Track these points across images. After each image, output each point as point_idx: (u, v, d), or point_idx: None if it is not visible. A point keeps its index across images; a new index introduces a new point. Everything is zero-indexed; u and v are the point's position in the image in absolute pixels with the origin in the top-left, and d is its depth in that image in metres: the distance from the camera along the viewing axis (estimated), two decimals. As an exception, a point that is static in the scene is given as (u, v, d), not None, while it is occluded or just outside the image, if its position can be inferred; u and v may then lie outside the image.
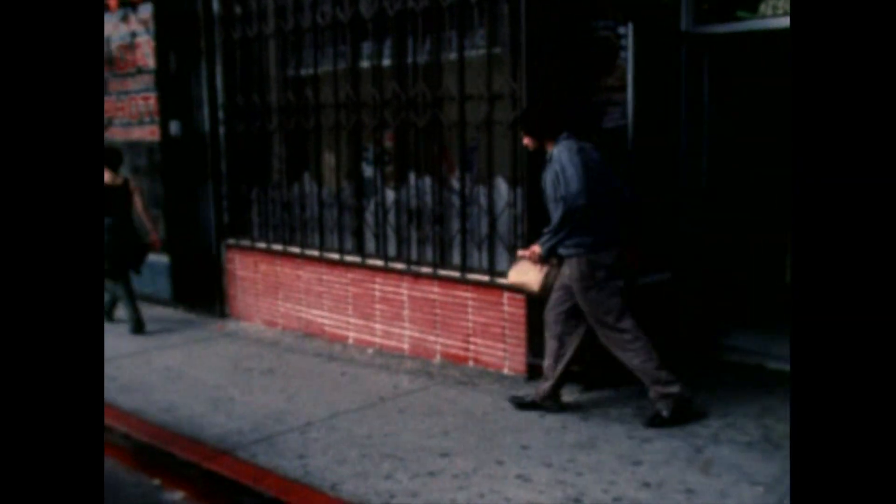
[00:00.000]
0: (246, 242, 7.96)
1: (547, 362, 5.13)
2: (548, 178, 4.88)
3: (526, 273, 5.01)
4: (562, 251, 4.88)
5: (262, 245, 7.79)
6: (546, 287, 4.96)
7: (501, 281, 5.94)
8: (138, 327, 7.75)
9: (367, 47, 6.82)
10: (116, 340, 7.42)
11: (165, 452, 4.84)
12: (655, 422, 4.82)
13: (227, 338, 7.49)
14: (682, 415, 4.83)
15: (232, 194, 8.07)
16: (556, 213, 4.82)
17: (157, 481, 4.82)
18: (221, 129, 8.05)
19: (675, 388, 4.80)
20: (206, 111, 8.12)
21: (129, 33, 8.90)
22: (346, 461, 4.52)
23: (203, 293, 8.36)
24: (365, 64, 6.85)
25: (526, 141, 5.14)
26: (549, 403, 5.15)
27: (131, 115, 9.06)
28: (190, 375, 6.30)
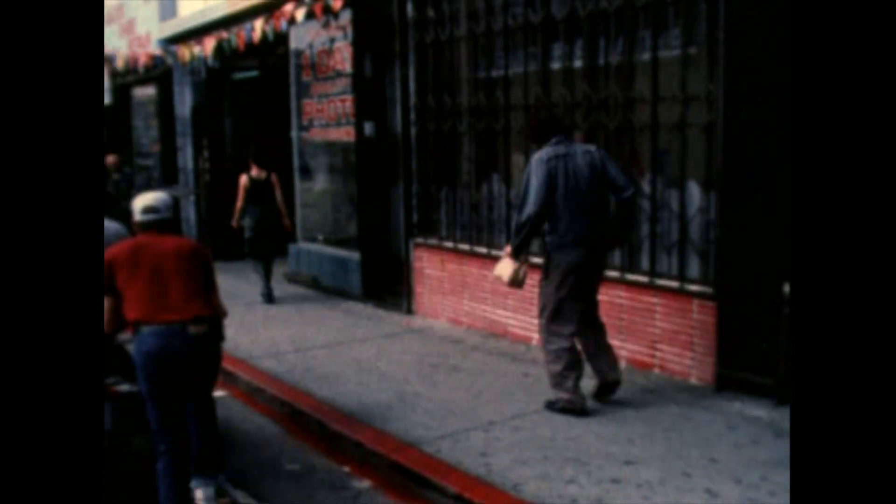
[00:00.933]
0: (434, 241, 8.15)
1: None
2: None
3: (504, 268, 5.40)
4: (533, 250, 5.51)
5: (449, 244, 7.95)
6: (515, 280, 5.39)
7: (692, 287, 5.77)
8: (269, 299, 9.26)
9: (558, 48, 6.81)
10: (312, 333, 7.81)
11: (355, 442, 5.04)
12: (548, 405, 5.36)
13: (414, 334, 7.70)
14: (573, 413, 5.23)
15: (422, 194, 8.29)
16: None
17: (346, 468, 5.02)
18: (413, 130, 8.28)
19: (566, 395, 5.23)
20: (398, 112, 8.38)
21: (329, 39, 9.32)
22: (529, 462, 4.54)
23: (391, 290, 8.63)
24: (556, 65, 6.84)
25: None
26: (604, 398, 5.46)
27: (329, 116, 9.49)
28: (378, 369, 6.52)
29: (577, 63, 6.63)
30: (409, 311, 8.44)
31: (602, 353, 5.40)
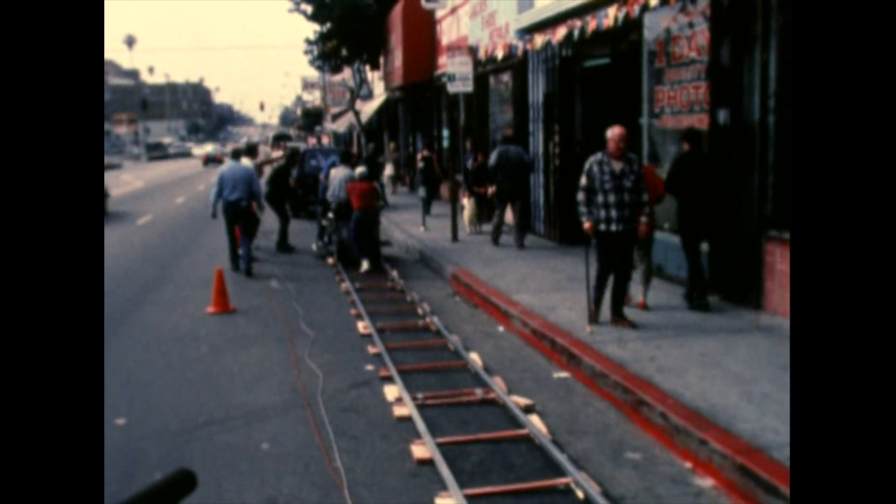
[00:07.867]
0: (788, 235, 7.74)
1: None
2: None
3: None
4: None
5: (806, 239, 7.49)
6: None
7: None
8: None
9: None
10: (656, 322, 7.80)
11: (700, 438, 4.99)
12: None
13: (762, 332, 7.39)
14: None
15: (778, 186, 7.90)
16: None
17: (688, 464, 5.01)
18: (771, 119, 7.90)
19: (492, 242, 13.69)
20: (756, 100, 8.04)
21: (685, 24, 9.16)
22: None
23: (739, 284, 8.35)
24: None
25: None
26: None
27: (682, 103, 9.35)
28: (723, 365, 6.38)
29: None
30: (758, 308, 8.11)
31: (517, 232, 13.14)
